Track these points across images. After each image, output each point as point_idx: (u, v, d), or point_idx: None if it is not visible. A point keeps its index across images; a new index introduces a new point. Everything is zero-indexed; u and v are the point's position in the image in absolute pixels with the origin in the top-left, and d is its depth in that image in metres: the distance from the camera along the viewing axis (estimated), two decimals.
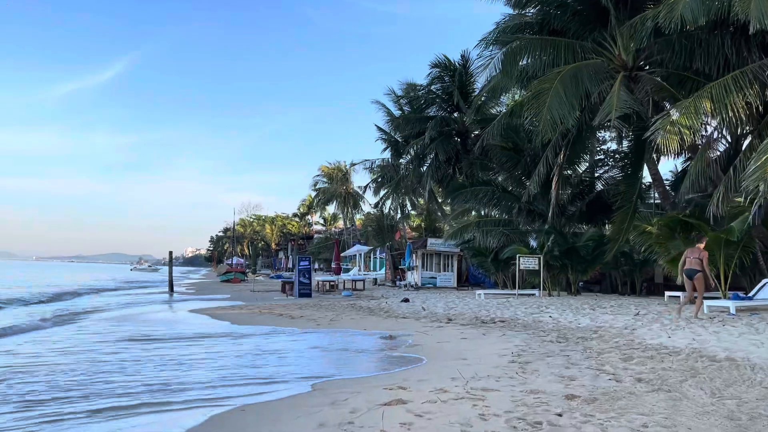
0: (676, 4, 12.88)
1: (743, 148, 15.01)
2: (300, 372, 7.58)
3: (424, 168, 31.45)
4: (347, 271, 41.42)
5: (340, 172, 56.34)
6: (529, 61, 18.31)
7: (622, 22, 16.36)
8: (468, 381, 6.33)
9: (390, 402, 5.44)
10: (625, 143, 21.45)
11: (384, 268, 38.40)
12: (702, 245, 11.87)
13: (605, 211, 21.86)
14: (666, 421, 4.66)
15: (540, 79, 16.68)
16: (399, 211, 41.12)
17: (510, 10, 19.98)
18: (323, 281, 29.70)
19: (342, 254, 43.39)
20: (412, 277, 28.96)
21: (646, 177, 19.63)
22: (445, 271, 29.75)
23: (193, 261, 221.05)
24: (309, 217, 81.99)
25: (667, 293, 16.82)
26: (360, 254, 44.55)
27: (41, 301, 22.90)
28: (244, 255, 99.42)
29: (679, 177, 21.54)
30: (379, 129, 34.05)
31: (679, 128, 13.10)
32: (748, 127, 15.05)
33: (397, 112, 33.14)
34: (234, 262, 57.86)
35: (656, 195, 20.83)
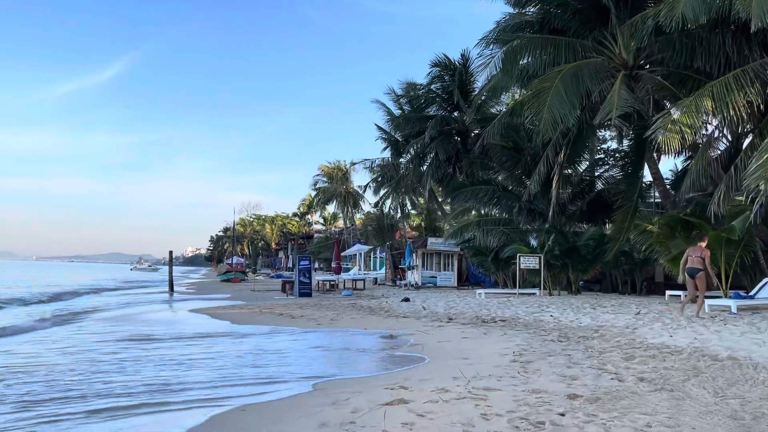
0: (677, 3, 12.84)
1: (744, 147, 14.98)
2: (301, 372, 7.56)
3: (424, 167, 31.42)
4: (347, 270, 41.42)
5: (340, 172, 56.29)
6: (530, 60, 18.26)
7: (623, 21, 16.32)
8: (470, 380, 6.30)
9: (392, 402, 5.42)
10: (626, 142, 21.43)
11: (384, 268, 38.37)
12: (704, 244, 11.84)
13: (606, 210, 21.83)
14: (669, 420, 4.64)
15: (540, 78, 16.64)
16: (399, 211, 41.12)
17: (510, 9, 19.96)
18: (323, 281, 29.68)
19: (342, 254, 43.37)
20: (413, 276, 28.93)
21: (647, 176, 19.61)
22: (445, 270, 29.72)
23: (193, 261, 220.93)
24: (309, 216, 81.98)
25: (668, 292, 16.80)
26: (360, 254, 44.51)
27: (41, 301, 22.89)
28: (244, 255, 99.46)
29: (680, 176, 21.52)
30: (379, 128, 34.05)
31: (680, 127, 13.07)
32: (749, 126, 15.02)
33: (397, 112, 33.11)
34: (234, 262, 57.86)
35: (656, 194, 20.80)
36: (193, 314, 16.90)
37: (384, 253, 38.55)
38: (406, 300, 19.66)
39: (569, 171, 22.64)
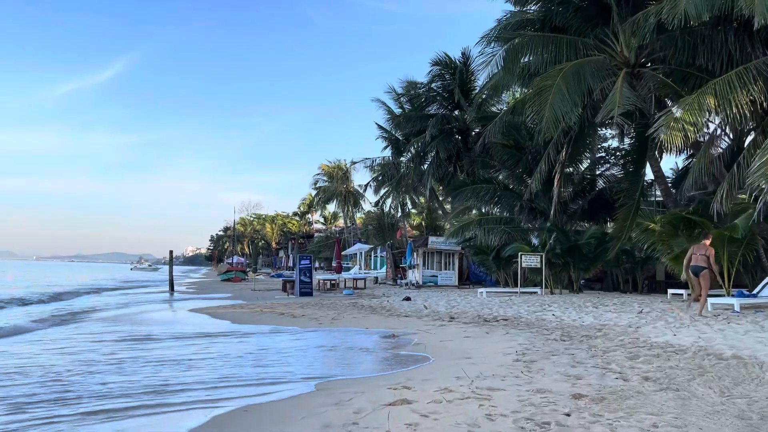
0: (680, 0, 12.78)
1: (746, 144, 14.92)
2: (303, 371, 7.51)
3: (425, 166, 31.37)
4: (348, 269, 41.35)
5: (340, 171, 56.20)
6: (531, 58, 18.22)
7: (625, 19, 16.25)
8: (473, 380, 6.25)
9: (395, 402, 5.36)
10: (627, 140, 21.37)
11: (385, 267, 38.32)
12: (708, 242, 11.78)
13: (607, 208, 21.79)
14: (676, 420, 4.58)
15: (542, 76, 16.59)
16: (400, 210, 41.08)
17: (511, 7, 19.95)
18: (324, 280, 29.63)
19: (343, 253, 43.30)
20: (413, 275, 28.88)
21: (648, 174, 19.55)
22: (446, 269, 29.65)
23: (193, 260, 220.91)
24: (309, 215, 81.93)
25: (670, 291, 16.74)
26: (361, 253, 44.47)
27: (41, 301, 22.85)
28: (245, 254, 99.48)
29: (681, 174, 21.47)
30: (380, 127, 33.97)
31: (682, 125, 13.01)
32: (751, 124, 14.96)
33: (397, 110, 33.04)
34: (234, 261, 57.87)
35: (658, 192, 20.74)
36: (193, 314, 16.85)
37: (384, 252, 38.51)
38: (408, 299, 19.61)
39: (571, 169, 22.58)
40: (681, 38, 15.14)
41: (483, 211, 26.31)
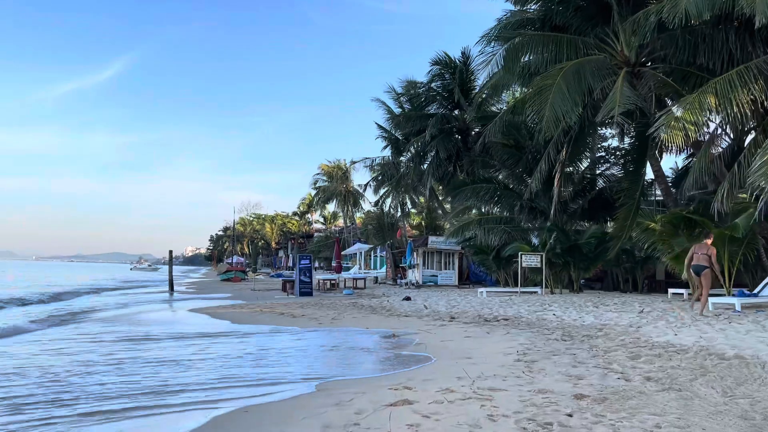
0: None
1: (747, 144, 14.89)
2: (303, 372, 7.48)
3: (425, 166, 31.34)
4: (348, 269, 41.32)
5: (340, 171, 56.17)
6: (531, 57, 18.19)
7: (625, 18, 16.23)
8: (474, 380, 6.22)
9: (396, 402, 5.33)
10: (628, 140, 21.35)
11: (385, 267, 38.29)
12: (710, 241, 11.75)
13: (607, 208, 21.77)
14: (679, 421, 4.55)
15: (542, 76, 16.56)
16: (399, 209, 41.05)
17: (511, 7, 19.90)
18: (324, 279, 29.60)
19: (342, 253, 43.27)
20: (413, 275, 28.85)
21: (648, 173, 19.53)
22: (446, 269, 29.63)
23: (193, 260, 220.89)
24: (309, 215, 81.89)
25: (671, 290, 16.71)
26: (360, 252, 44.43)
27: (41, 301, 22.81)
28: (244, 254, 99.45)
29: (680, 174, 21.45)
30: (380, 127, 33.94)
31: (683, 124, 12.97)
32: (752, 123, 14.93)
33: (397, 110, 33.01)
34: (234, 261, 57.87)
35: (658, 192, 20.72)
36: (192, 314, 16.81)
37: (384, 252, 38.47)
38: (408, 299, 19.58)
39: (571, 169, 22.56)
40: (681, 37, 15.11)
41: (483, 210, 26.28)
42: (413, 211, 45.80)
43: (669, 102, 16.33)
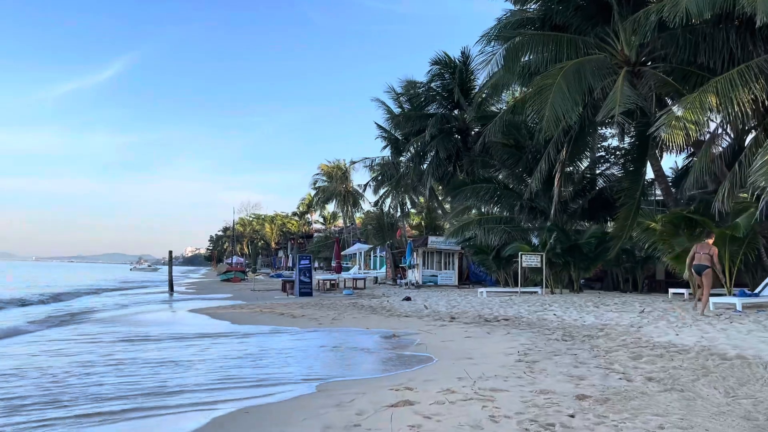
0: None
1: (747, 143, 14.87)
2: (304, 372, 7.45)
3: (425, 166, 31.31)
4: (348, 269, 41.28)
5: (339, 171, 56.17)
6: (531, 56, 18.17)
7: (625, 17, 16.21)
8: (475, 381, 6.19)
9: (397, 403, 5.30)
10: (628, 139, 21.33)
11: (384, 267, 38.26)
12: (711, 241, 11.73)
13: (607, 208, 21.75)
14: (682, 422, 4.53)
15: (542, 75, 16.54)
16: (399, 210, 41.04)
17: (511, 6, 19.89)
18: (324, 280, 29.57)
19: (342, 253, 43.24)
20: (413, 275, 28.82)
21: (648, 173, 19.49)
22: (446, 269, 29.60)
23: (192, 260, 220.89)
24: (309, 215, 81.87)
25: (671, 290, 16.69)
26: (360, 253, 44.40)
27: (41, 302, 22.78)
28: (244, 254, 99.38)
29: (681, 174, 21.44)
30: (379, 127, 33.93)
31: (684, 123, 12.96)
32: (753, 122, 14.91)
33: (397, 110, 32.99)
34: (234, 262, 57.79)
35: (658, 191, 20.69)
36: (192, 314, 16.78)
37: (384, 252, 38.44)
38: (408, 299, 19.55)
39: (571, 168, 22.54)
40: (682, 36, 15.09)
41: (483, 210, 26.26)
42: (413, 211, 45.80)
43: (669, 101, 16.31)
